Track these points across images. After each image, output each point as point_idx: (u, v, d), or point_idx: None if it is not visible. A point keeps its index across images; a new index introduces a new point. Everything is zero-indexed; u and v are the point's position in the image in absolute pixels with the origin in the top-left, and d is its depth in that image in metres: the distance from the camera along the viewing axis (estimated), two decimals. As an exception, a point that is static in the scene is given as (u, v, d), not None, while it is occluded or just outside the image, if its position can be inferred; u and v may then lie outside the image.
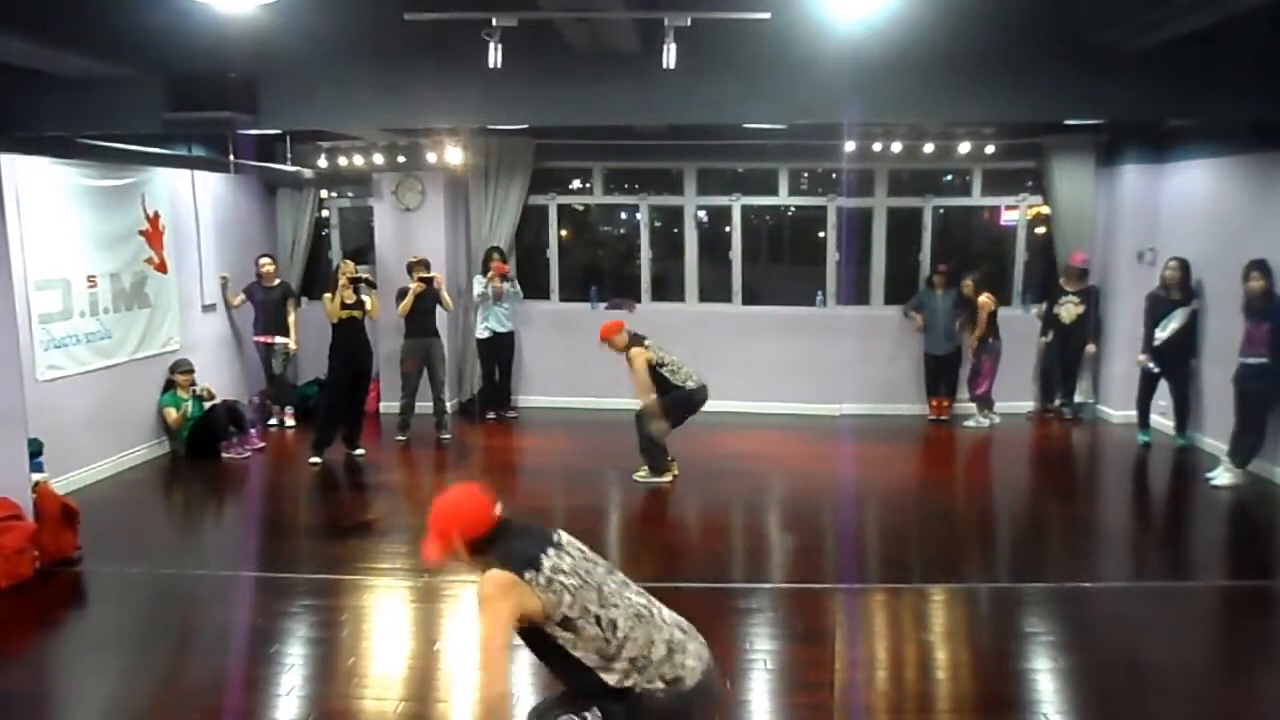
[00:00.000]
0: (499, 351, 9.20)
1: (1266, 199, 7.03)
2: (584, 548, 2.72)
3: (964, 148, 8.72)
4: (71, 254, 6.83)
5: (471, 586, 5.17)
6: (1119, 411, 8.81)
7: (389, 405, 9.02)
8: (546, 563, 2.55)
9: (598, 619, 2.52)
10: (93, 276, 7.06)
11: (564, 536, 2.71)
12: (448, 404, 8.77)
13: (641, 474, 7.10)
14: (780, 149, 8.99)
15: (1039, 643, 4.59)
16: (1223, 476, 6.85)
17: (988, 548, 6.17)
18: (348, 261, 8.05)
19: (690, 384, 6.87)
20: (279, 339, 8.67)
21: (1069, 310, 8.79)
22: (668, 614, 2.67)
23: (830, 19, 4.29)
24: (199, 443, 7.79)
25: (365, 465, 7.77)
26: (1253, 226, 7.09)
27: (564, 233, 9.93)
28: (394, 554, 5.85)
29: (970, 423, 8.91)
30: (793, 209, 10.06)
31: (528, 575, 2.49)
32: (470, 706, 2.50)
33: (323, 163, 9.04)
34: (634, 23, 4.60)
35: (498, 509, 2.64)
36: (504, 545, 2.59)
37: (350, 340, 7.69)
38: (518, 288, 9.28)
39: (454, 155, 8.79)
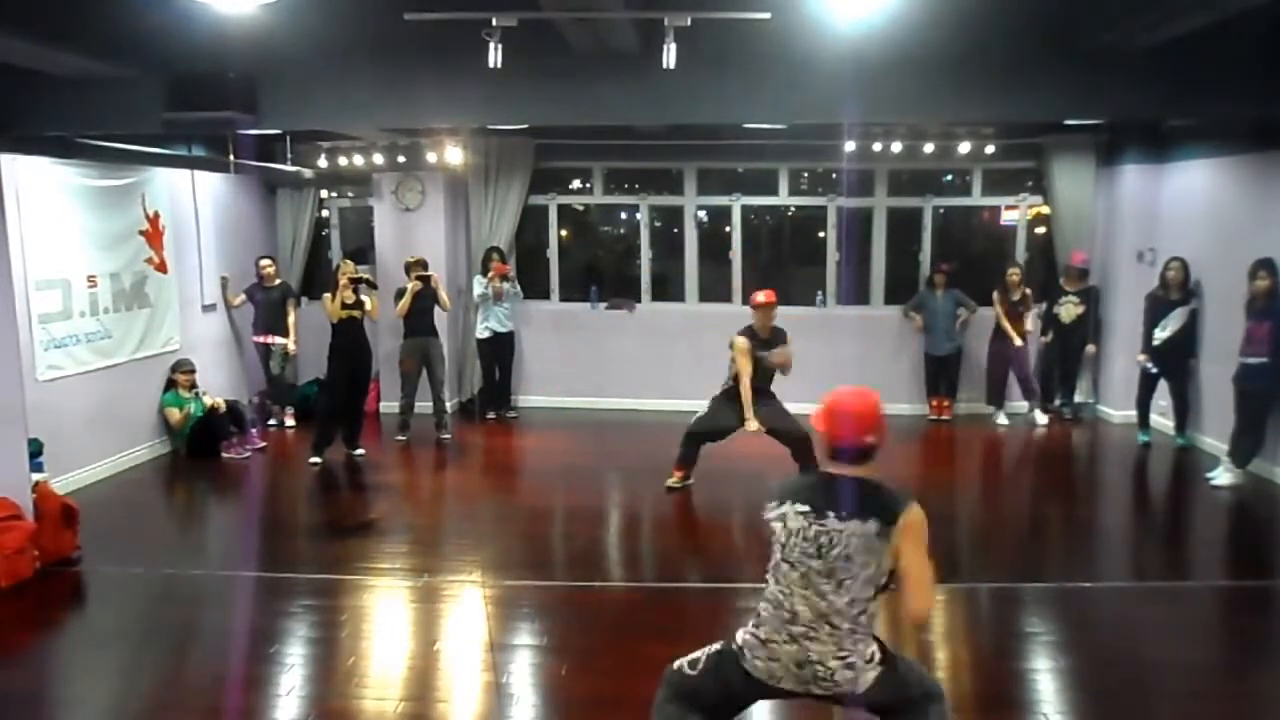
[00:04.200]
0: (499, 351, 9.20)
1: (1266, 199, 7.03)
2: (831, 540, 2.73)
3: (964, 148, 8.72)
4: (71, 254, 6.83)
5: (471, 588, 5.21)
6: (1119, 411, 8.81)
7: (389, 405, 9.02)
8: (781, 508, 2.83)
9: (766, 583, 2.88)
10: (93, 276, 7.05)
11: (832, 521, 2.73)
12: (447, 404, 8.77)
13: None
14: (780, 149, 8.99)
15: (1039, 643, 4.59)
16: (1223, 476, 6.85)
17: (988, 547, 6.17)
18: (348, 261, 8.04)
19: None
20: (277, 339, 8.67)
21: (1069, 310, 8.79)
22: (811, 631, 2.75)
23: (830, 19, 4.28)
24: (199, 443, 7.79)
25: (365, 465, 7.76)
26: (1253, 226, 7.08)
27: (564, 233, 9.94)
28: (394, 554, 5.85)
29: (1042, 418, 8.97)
30: (793, 209, 10.06)
31: (771, 504, 2.88)
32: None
33: (323, 163, 9.04)
34: (634, 23, 4.59)
35: (866, 439, 2.82)
36: (799, 478, 3.18)
37: (350, 340, 7.69)
38: (518, 288, 9.28)
39: (454, 155, 8.79)
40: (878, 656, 2.77)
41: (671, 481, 6.87)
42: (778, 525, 2.80)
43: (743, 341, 6.64)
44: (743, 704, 2.96)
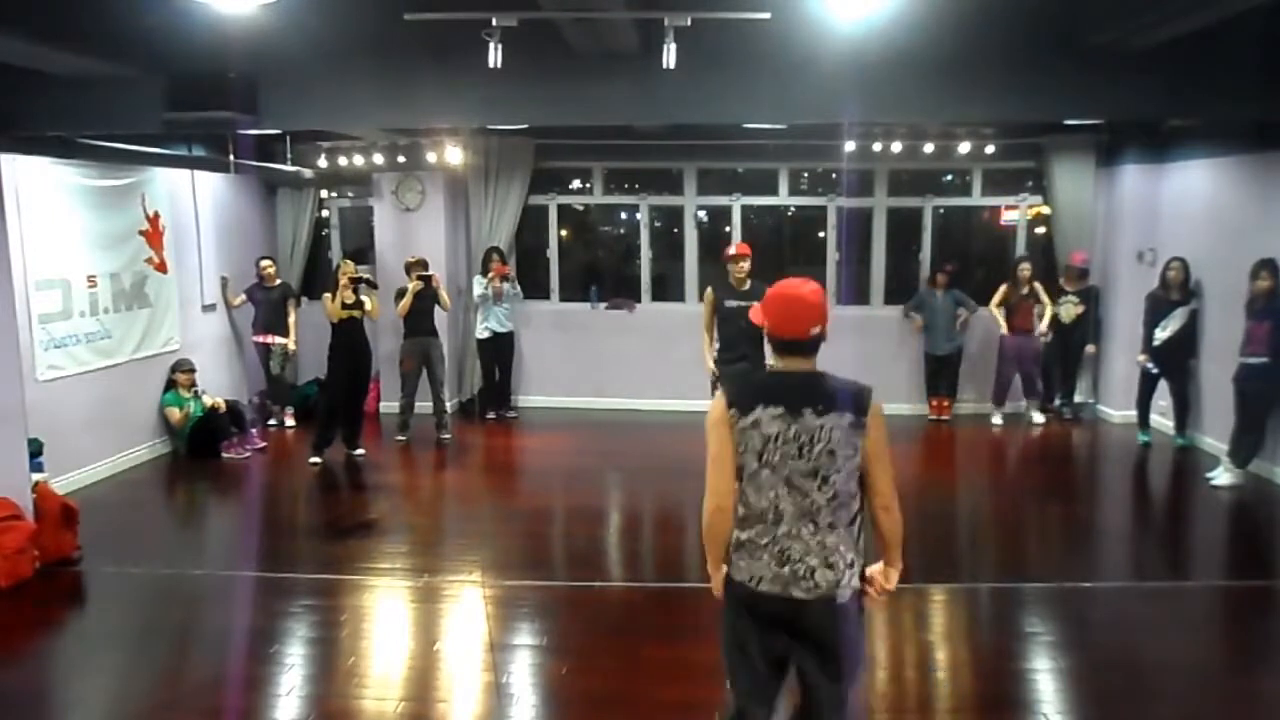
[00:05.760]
0: (499, 351, 9.20)
1: (1267, 199, 7.03)
2: (812, 437, 2.64)
3: (964, 148, 8.72)
4: (71, 254, 6.83)
5: (471, 588, 5.20)
6: (1119, 411, 8.81)
7: (389, 405, 9.02)
8: (753, 414, 2.66)
9: (743, 490, 2.72)
10: (93, 276, 7.05)
11: (810, 418, 2.64)
12: (447, 404, 8.77)
13: None
14: (780, 149, 8.99)
15: (1039, 643, 4.59)
16: (1223, 476, 6.85)
17: (988, 548, 6.17)
18: (348, 261, 8.04)
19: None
20: (277, 339, 8.68)
21: (1069, 310, 8.79)
22: (794, 529, 2.68)
23: (830, 19, 4.29)
24: (199, 443, 7.80)
25: (365, 465, 7.76)
26: (1253, 226, 7.08)
27: (564, 233, 9.94)
28: (394, 554, 5.85)
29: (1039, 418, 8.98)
30: (793, 209, 10.06)
31: (732, 412, 2.68)
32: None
33: (323, 163, 9.05)
34: (634, 23, 4.60)
35: (814, 330, 2.68)
36: (750, 375, 2.74)
37: (350, 340, 7.69)
38: (518, 288, 9.28)
39: (454, 155, 8.79)
40: (858, 565, 2.73)
41: None
42: (753, 433, 2.65)
43: (709, 293, 6.53)
44: (760, 650, 2.76)
